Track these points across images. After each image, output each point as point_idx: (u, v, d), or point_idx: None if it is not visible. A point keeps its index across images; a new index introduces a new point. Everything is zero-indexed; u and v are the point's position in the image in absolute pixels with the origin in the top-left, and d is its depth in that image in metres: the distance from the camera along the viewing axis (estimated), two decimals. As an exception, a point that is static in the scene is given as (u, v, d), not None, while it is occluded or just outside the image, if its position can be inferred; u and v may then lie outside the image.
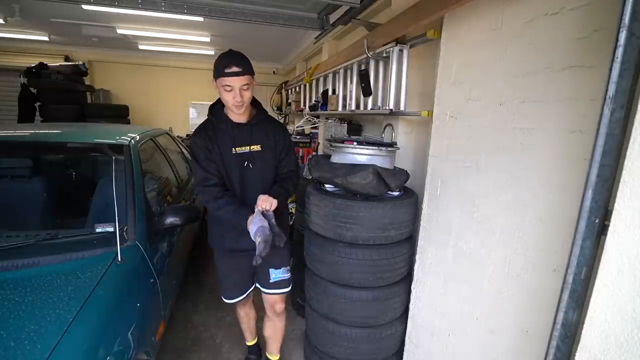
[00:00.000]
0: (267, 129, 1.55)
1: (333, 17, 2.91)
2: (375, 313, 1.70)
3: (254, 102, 1.54)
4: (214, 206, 1.44)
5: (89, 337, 1.00)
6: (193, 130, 1.51)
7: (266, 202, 1.37)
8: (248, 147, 1.49)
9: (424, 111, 1.81)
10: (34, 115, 5.19)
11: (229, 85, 1.34)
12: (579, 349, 0.81)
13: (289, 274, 1.70)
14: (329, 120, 3.45)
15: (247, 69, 1.35)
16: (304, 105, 4.25)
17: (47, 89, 5.12)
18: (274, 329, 1.81)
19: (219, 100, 1.49)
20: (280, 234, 1.31)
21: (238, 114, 1.45)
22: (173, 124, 6.29)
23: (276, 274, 1.65)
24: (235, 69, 1.32)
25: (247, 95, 1.39)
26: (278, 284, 1.67)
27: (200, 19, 3.40)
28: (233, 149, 1.47)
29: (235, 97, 1.35)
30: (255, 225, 1.29)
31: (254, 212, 1.37)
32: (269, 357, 1.91)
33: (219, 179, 1.47)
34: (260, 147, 1.51)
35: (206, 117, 1.54)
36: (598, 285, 0.77)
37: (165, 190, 2.21)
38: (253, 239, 1.28)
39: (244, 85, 1.36)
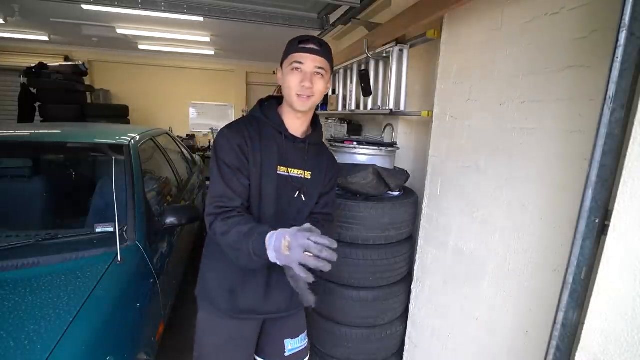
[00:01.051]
0: (321, 154, 1.15)
1: (333, 17, 2.91)
2: (375, 313, 1.70)
3: (314, 118, 1.14)
4: (221, 229, 0.92)
5: (88, 337, 1.00)
6: (223, 126, 1.05)
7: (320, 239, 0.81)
8: (302, 171, 1.07)
9: (424, 111, 1.81)
10: (34, 115, 5.19)
11: (299, 62, 0.97)
12: (579, 349, 0.81)
13: (307, 339, 1.26)
14: (329, 120, 3.45)
15: (327, 54, 1.01)
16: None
17: (47, 89, 5.11)
18: None
19: (271, 97, 1.13)
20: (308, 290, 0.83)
21: (297, 117, 1.04)
22: (173, 124, 6.30)
23: (294, 345, 1.21)
24: (313, 46, 0.98)
25: (319, 87, 1.00)
26: (297, 356, 1.22)
27: (200, 19, 3.40)
28: (278, 167, 1.03)
29: (304, 81, 0.97)
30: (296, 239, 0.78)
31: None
32: None
33: (244, 203, 0.99)
34: (311, 175, 1.09)
35: (247, 114, 1.11)
36: (598, 285, 0.77)
37: (165, 190, 2.20)
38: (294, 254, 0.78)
39: (319, 69, 0.98)
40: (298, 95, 0.99)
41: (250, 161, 0.99)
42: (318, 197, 1.13)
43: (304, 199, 1.07)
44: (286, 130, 1.05)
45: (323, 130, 1.26)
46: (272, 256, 0.82)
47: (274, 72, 7.29)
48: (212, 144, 1.16)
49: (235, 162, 0.98)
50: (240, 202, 0.98)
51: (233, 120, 1.12)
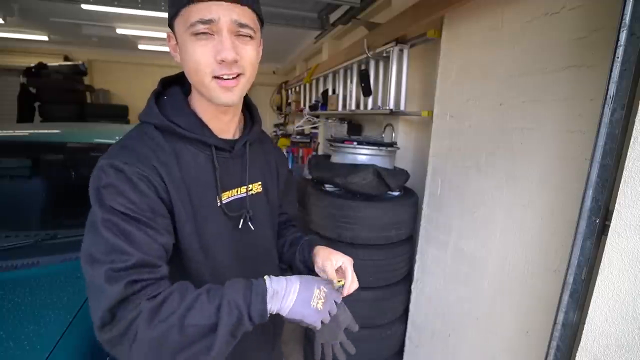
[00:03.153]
0: (267, 152, 0.85)
1: (333, 17, 2.91)
2: (375, 313, 1.70)
3: (246, 103, 0.78)
4: (145, 341, 0.52)
5: (88, 337, 1.00)
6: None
7: (355, 283, 0.69)
8: (244, 189, 0.74)
9: (424, 111, 1.81)
10: (34, 115, 5.20)
11: (206, 21, 0.56)
12: (579, 349, 0.81)
13: None
14: (329, 120, 3.44)
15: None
16: (304, 105, 4.25)
17: (46, 88, 5.12)
18: None
19: (168, 81, 0.72)
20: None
21: (223, 112, 0.68)
22: (173, 124, 6.29)
23: None
24: None
25: (249, 56, 0.61)
26: None
27: (200, 18, 3.39)
28: (218, 197, 0.68)
29: (223, 50, 0.58)
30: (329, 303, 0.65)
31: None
32: None
33: (166, 269, 0.60)
34: (261, 185, 0.79)
35: (140, 124, 0.68)
36: (598, 286, 0.77)
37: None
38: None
39: (242, 27, 0.59)
40: (217, 78, 0.60)
41: (175, 206, 0.62)
42: (277, 207, 0.86)
43: (252, 227, 0.74)
44: (214, 137, 0.68)
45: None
46: (283, 307, 0.60)
47: (274, 72, 7.27)
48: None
49: (144, 206, 0.57)
50: (166, 270, 0.59)
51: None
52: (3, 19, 4.06)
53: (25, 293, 1.08)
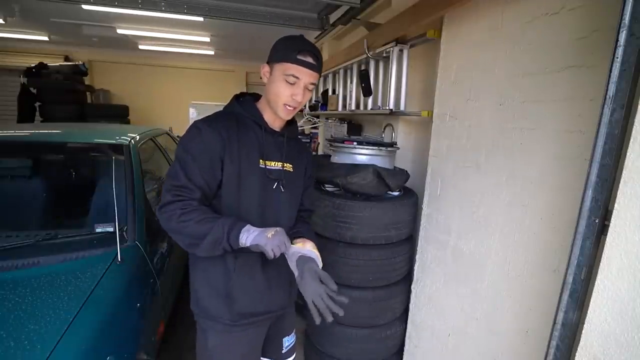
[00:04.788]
0: (299, 148, 1.18)
1: (333, 17, 2.91)
2: (375, 313, 1.70)
3: None
4: (180, 214, 0.91)
5: (88, 337, 1.00)
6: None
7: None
8: (281, 164, 1.07)
9: (424, 111, 1.81)
10: (34, 115, 5.20)
11: (295, 77, 0.95)
12: (579, 349, 0.81)
13: (295, 336, 1.38)
14: (329, 120, 3.45)
15: (321, 68, 1.02)
16: (304, 105, 4.25)
17: (47, 88, 5.12)
18: None
19: (250, 94, 1.13)
20: None
21: (277, 117, 1.06)
22: (173, 124, 6.29)
23: (289, 341, 1.31)
24: (311, 60, 0.96)
25: (306, 99, 1.03)
26: (289, 352, 1.33)
27: (200, 19, 3.40)
28: (260, 160, 1.03)
29: (296, 95, 0.97)
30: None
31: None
32: None
33: (202, 198, 0.97)
34: (292, 167, 1.11)
35: (223, 109, 1.09)
36: (598, 286, 0.77)
37: (165, 190, 2.19)
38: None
39: (312, 84, 1.00)
40: (285, 105, 0.99)
41: (229, 153, 0.97)
42: (302, 191, 1.17)
43: (282, 189, 1.07)
44: (266, 124, 1.06)
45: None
46: (248, 238, 0.89)
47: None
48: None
49: (202, 158, 0.95)
50: (200, 195, 0.95)
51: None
52: (4, 20, 4.06)
53: (26, 293, 1.08)
